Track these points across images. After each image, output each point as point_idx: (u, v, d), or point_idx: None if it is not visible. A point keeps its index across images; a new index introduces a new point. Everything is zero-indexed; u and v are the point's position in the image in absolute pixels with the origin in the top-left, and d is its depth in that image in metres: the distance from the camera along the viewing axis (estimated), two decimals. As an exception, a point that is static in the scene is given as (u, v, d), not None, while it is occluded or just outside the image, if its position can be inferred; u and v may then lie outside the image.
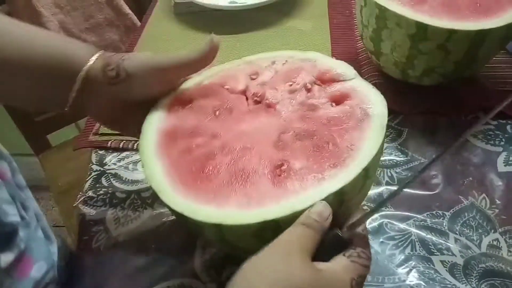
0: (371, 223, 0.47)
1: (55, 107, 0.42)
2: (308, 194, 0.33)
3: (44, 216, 0.41)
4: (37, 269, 0.36)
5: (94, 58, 0.41)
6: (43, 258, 0.37)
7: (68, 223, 0.93)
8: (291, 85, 0.44)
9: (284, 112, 0.41)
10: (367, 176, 0.35)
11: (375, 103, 0.39)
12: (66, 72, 0.40)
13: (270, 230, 0.33)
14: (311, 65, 0.45)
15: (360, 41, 0.69)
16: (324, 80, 0.43)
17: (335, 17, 0.79)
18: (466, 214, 0.47)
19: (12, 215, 0.34)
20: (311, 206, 0.32)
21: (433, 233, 0.46)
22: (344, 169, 0.34)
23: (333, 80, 0.43)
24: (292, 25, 0.78)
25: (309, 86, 0.42)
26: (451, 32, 0.50)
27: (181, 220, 0.37)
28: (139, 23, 1.07)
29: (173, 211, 0.36)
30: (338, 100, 0.41)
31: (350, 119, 0.38)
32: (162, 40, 0.79)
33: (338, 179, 0.34)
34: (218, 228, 0.34)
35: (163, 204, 0.37)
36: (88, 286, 0.46)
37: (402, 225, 0.47)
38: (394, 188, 0.50)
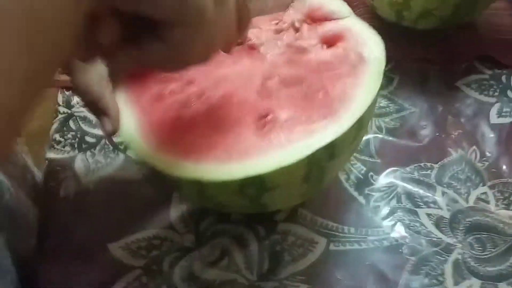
0: (355, 174, 0.45)
1: None
2: (296, 148, 0.30)
3: None
4: None
5: None
6: None
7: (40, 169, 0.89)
8: (277, 23, 0.40)
9: (269, 55, 0.37)
10: (360, 127, 0.32)
11: (372, 46, 0.35)
12: None
13: (254, 186, 0.30)
14: (299, 1, 0.40)
15: (353, -20, 0.64)
16: (315, 18, 0.39)
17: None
18: (454, 167, 0.45)
19: None
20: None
21: (420, 186, 0.44)
22: (335, 121, 0.31)
23: (325, 18, 0.38)
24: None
25: (297, 25, 0.38)
26: (454, -30, 0.46)
27: (157, 175, 0.34)
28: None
29: (147, 166, 0.33)
30: (330, 41, 0.37)
31: (343, 64, 0.34)
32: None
33: (329, 131, 0.30)
34: (198, 184, 0.31)
35: (136, 159, 0.33)
36: (56, 237, 0.43)
37: (388, 177, 0.45)
38: (381, 136, 0.48)
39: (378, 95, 0.34)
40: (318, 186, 0.37)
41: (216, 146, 0.31)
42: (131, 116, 0.34)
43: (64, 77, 0.55)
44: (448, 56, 0.55)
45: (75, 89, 0.38)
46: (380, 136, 0.48)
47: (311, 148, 0.30)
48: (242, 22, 0.30)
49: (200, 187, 0.32)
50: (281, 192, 0.33)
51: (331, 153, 0.31)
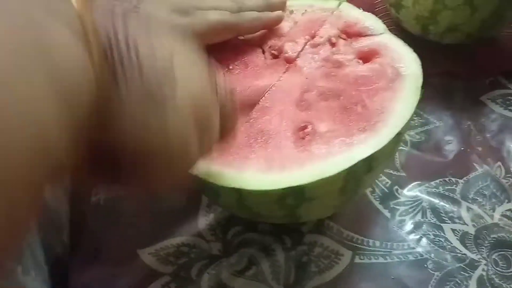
0: (380, 187, 0.46)
1: None
2: (336, 160, 0.30)
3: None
4: None
5: None
6: None
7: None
8: (313, 38, 0.40)
9: (306, 68, 0.37)
10: (397, 141, 0.33)
11: (408, 62, 0.36)
12: None
13: (293, 196, 0.31)
14: (335, 16, 0.41)
15: (378, -8, 0.64)
16: (350, 33, 0.39)
17: (351, -37, 0.73)
18: (479, 182, 0.46)
19: None
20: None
21: (445, 201, 0.44)
22: (375, 134, 0.31)
23: (360, 34, 0.39)
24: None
25: (333, 40, 0.39)
26: (482, -13, 0.46)
27: (196, 184, 0.34)
28: None
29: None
30: (366, 57, 0.37)
31: (380, 78, 0.35)
32: None
33: (369, 145, 0.31)
34: (238, 193, 0.31)
35: None
36: (87, 241, 0.44)
37: (413, 191, 0.45)
38: (406, 150, 0.48)
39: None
40: (352, 198, 0.37)
41: (257, 156, 0.32)
42: None
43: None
44: (473, 71, 0.55)
45: None
46: (406, 149, 0.48)
47: (351, 161, 0.30)
48: (225, 131, 0.29)
49: (240, 196, 0.32)
50: (318, 203, 0.33)
51: (368, 166, 0.32)
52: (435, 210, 0.44)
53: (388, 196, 0.45)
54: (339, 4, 0.43)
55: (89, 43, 0.20)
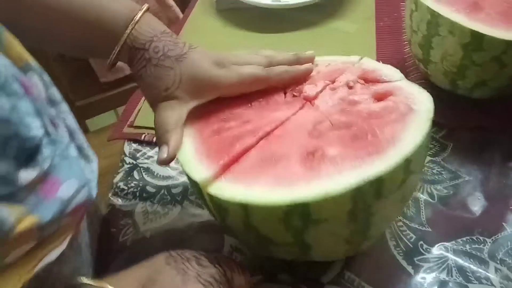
0: (404, 241, 0.45)
1: (100, 57, 0.43)
2: (342, 179, 0.31)
3: (81, 133, 0.39)
4: (66, 189, 0.33)
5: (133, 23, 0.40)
6: (74, 176, 0.34)
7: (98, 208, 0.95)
8: (332, 82, 0.42)
9: (322, 106, 0.40)
10: (408, 169, 0.33)
11: (421, 99, 0.37)
12: (108, 32, 0.41)
13: (299, 215, 0.31)
14: (355, 67, 0.43)
15: (408, 46, 0.66)
16: (368, 80, 0.42)
17: (382, 19, 0.75)
18: (509, 243, 0.44)
19: (35, 129, 0.31)
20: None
21: (472, 260, 0.43)
22: (382, 158, 0.32)
23: (377, 80, 0.41)
24: (336, 26, 0.76)
25: (351, 84, 0.41)
26: (509, 44, 0.46)
27: (205, 202, 0.36)
28: (181, 16, 1.07)
29: (196, 187, 0.35)
30: (381, 97, 0.39)
31: (392, 113, 0.36)
32: (203, 35, 0.78)
33: (376, 166, 0.31)
34: (244, 208, 0.32)
35: (190, 183, 0.36)
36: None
37: (439, 248, 0.44)
38: (433, 204, 0.47)
39: (428, 142, 0.35)
40: (364, 233, 0.37)
41: (265, 174, 0.33)
42: (191, 144, 0.38)
43: (131, 130, 0.61)
44: (504, 125, 0.54)
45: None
46: (432, 203, 0.48)
47: (357, 180, 0.31)
48: None
49: (246, 213, 0.33)
50: (327, 229, 0.33)
51: (377, 189, 0.32)
52: (461, 269, 0.42)
53: (413, 252, 0.44)
54: (360, 59, 0.45)
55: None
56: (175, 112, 0.40)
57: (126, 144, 0.60)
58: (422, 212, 0.47)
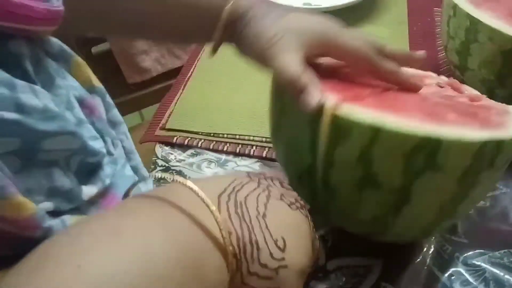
0: (440, 252, 0.44)
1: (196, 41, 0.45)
2: (472, 132, 0.31)
3: (136, 153, 0.39)
4: None
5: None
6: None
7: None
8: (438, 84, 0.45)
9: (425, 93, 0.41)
10: None
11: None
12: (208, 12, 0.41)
13: (425, 154, 0.31)
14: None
15: (442, 52, 0.65)
16: (454, 87, 0.44)
17: (415, 24, 0.74)
18: (550, 256, 0.42)
19: (98, 146, 0.33)
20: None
21: (510, 274, 0.42)
22: (501, 129, 0.33)
23: (462, 91, 0.44)
24: (369, 30, 0.75)
25: (442, 84, 0.44)
26: (553, 52, 0.45)
27: (313, 134, 0.34)
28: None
29: (303, 122, 0.35)
30: (474, 99, 0.40)
31: (491, 109, 0.37)
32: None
33: (499, 132, 0.32)
34: (375, 132, 0.31)
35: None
36: None
37: (476, 260, 0.43)
38: (470, 215, 0.46)
39: None
40: (456, 207, 0.36)
41: (409, 108, 0.34)
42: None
43: (163, 133, 0.61)
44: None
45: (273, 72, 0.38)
46: (469, 215, 0.47)
47: (484, 136, 0.31)
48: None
49: (372, 140, 0.32)
50: (438, 182, 0.33)
51: (494, 155, 0.32)
52: (499, 282, 0.41)
53: (448, 263, 0.43)
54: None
55: (226, 248, 0.27)
56: (293, 54, 0.36)
57: (158, 146, 0.60)
58: (459, 223, 0.46)
